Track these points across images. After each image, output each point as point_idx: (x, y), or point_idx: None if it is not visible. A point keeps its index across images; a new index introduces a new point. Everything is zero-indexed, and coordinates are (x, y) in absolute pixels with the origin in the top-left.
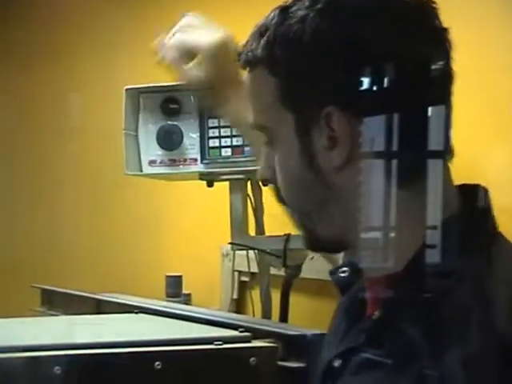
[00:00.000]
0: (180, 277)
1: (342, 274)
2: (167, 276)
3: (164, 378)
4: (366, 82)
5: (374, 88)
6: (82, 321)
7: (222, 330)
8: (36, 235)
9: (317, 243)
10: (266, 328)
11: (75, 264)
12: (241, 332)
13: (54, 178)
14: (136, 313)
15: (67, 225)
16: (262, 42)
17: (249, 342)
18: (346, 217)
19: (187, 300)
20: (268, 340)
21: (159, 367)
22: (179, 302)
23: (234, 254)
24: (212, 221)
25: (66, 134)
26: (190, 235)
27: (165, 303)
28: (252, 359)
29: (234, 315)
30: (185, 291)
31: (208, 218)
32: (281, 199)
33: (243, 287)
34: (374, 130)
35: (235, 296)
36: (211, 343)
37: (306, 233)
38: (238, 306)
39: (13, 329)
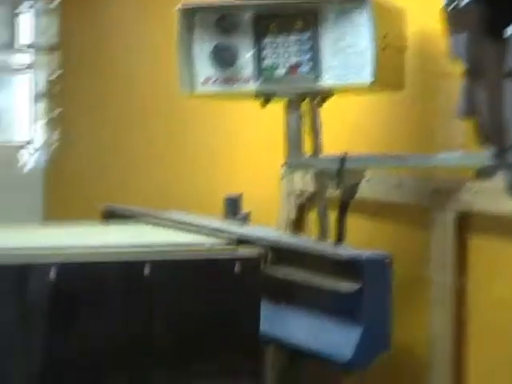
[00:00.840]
0: (239, 196)
1: None
2: (227, 195)
3: (146, 281)
4: None
5: None
6: (88, 229)
7: (214, 239)
8: (101, 156)
9: None
10: (313, 247)
11: (138, 184)
12: (228, 240)
13: (117, 100)
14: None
15: (131, 146)
16: None
17: (234, 249)
18: None
19: (246, 219)
20: (255, 248)
21: (147, 271)
22: (238, 221)
23: (290, 174)
24: (272, 141)
25: (123, 55)
26: (249, 155)
27: (195, 217)
28: (236, 266)
29: (275, 232)
30: (244, 210)
31: (268, 138)
32: (483, 136)
33: (301, 208)
34: None
35: (293, 217)
36: (197, 249)
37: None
38: (296, 226)
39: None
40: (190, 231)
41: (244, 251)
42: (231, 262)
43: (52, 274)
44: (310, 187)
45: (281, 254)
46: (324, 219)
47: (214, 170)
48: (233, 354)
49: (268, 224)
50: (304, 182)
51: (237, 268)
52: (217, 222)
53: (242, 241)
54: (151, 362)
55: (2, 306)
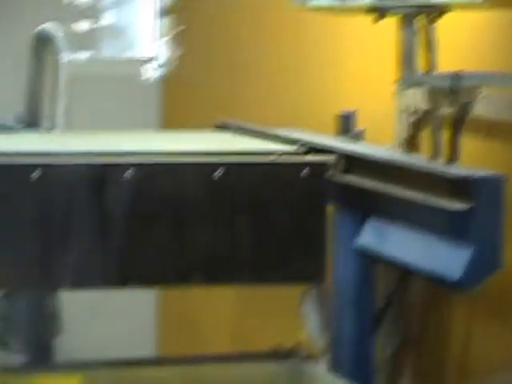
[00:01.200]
0: (352, 113)
1: None
2: (340, 112)
3: (218, 183)
4: None
5: None
6: (183, 136)
7: (290, 147)
8: (218, 72)
9: None
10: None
11: (251, 100)
12: (298, 147)
13: (234, 16)
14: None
15: (245, 62)
16: None
17: (303, 156)
18: None
19: (359, 136)
20: (325, 155)
21: (220, 173)
22: (350, 138)
23: (403, 91)
24: (383, 57)
25: None
26: (362, 72)
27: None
28: (303, 171)
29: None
30: (359, 128)
31: (379, 54)
32: None
33: (415, 126)
34: None
35: (405, 135)
36: (269, 155)
37: None
38: (410, 144)
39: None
40: (274, 141)
41: (311, 158)
42: (298, 166)
43: (128, 174)
44: (424, 105)
45: (379, 169)
46: (437, 137)
47: (325, 87)
48: (298, 255)
49: (383, 142)
50: (417, 99)
51: (303, 173)
52: (312, 137)
53: (318, 150)
54: (222, 259)
55: (82, 204)
